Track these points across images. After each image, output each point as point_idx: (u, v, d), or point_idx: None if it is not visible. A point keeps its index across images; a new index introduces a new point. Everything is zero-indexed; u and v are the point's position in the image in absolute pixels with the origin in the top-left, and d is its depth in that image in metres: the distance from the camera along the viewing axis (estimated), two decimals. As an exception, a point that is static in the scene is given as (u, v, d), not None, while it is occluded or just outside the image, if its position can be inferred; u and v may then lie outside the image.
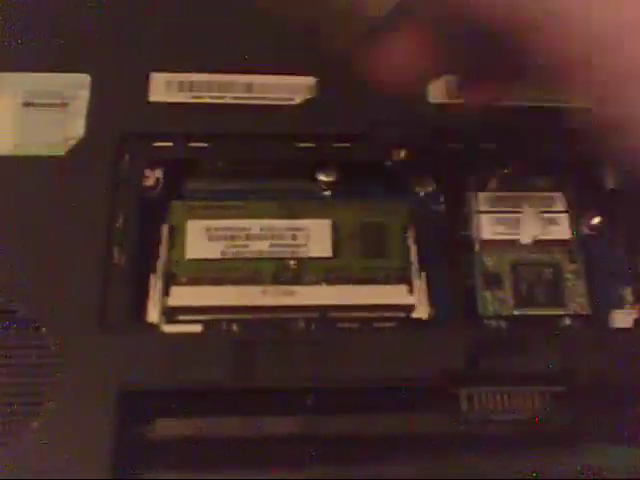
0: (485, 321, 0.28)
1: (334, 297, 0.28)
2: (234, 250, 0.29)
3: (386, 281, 0.28)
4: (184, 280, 0.28)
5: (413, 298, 0.28)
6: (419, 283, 0.28)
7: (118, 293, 0.27)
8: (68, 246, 0.27)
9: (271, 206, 0.30)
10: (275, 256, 0.29)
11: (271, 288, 0.28)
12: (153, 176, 0.30)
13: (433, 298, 0.28)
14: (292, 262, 0.29)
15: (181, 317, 0.27)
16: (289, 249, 0.29)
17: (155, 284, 0.28)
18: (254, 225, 0.29)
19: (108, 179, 0.29)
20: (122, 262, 0.28)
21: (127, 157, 0.29)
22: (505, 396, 0.26)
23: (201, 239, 0.29)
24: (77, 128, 0.30)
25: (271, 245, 0.29)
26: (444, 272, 0.29)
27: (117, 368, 0.26)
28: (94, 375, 0.25)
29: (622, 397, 0.27)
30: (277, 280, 0.28)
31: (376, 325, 0.28)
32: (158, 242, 0.29)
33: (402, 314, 0.28)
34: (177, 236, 0.29)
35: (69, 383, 0.25)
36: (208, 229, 0.29)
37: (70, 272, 0.27)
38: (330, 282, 0.28)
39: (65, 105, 0.30)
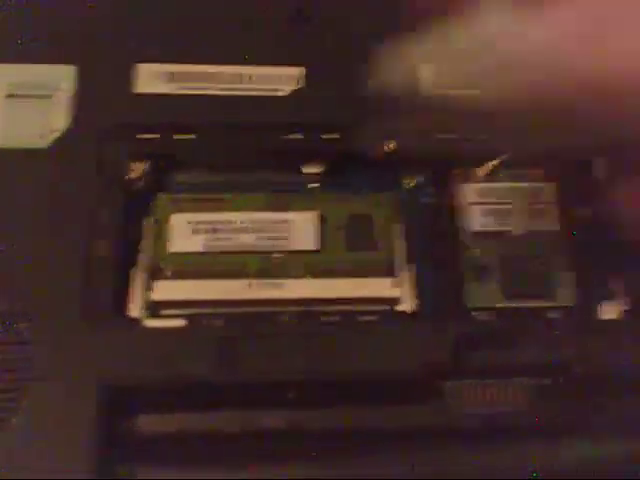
0: (472, 313, 0.28)
1: (318, 290, 0.28)
2: (218, 243, 0.28)
3: (372, 274, 0.28)
4: (168, 274, 0.28)
5: (398, 291, 0.28)
6: (405, 275, 0.28)
7: (101, 287, 0.27)
8: (51, 239, 0.27)
9: (257, 198, 0.29)
10: (260, 249, 0.28)
11: (255, 282, 0.28)
12: (138, 168, 0.29)
13: (420, 291, 0.28)
14: (277, 256, 0.28)
15: (164, 311, 0.27)
16: (274, 242, 0.28)
17: (138, 278, 0.27)
18: (238, 218, 0.29)
19: (92, 171, 0.28)
20: (106, 255, 0.27)
21: (112, 149, 0.29)
22: (491, 389, 0.26)
23: (185, 232, 0.28)
24: (61, 120, 0.29)
25: (256, 238, 0.28)
26: (432, 264, 0.29)
27: (99, 363, 0.25)
28: (76, 370, 0.25)
29: (610, 388, 0.27)
30: (262, 274, 0.28)
31: (360, 318, 0.27)
32: (141, 235, 0.28)
33: (386, 307, 0.28)
34: (161, 229, 0.29)
35: (50, 378, 0.25)
36: (191, 222, 0.29)
37: (52, 266, 0.27)
38: (315, 275, 0.28)
39: (49, 97, 0.30)
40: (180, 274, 0.28)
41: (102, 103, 0.30)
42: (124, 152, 0.29)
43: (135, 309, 0.27)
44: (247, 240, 0.28)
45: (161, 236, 0.28)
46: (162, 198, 0.29)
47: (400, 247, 0.28)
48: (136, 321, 0.27)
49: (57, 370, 0.25)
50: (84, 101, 0.30)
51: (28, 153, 0.29)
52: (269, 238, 0.28)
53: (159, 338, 0.26)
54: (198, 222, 0.28)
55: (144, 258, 0.28)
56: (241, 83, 0.31)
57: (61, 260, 0.27)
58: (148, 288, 0.27)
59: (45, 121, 0.29)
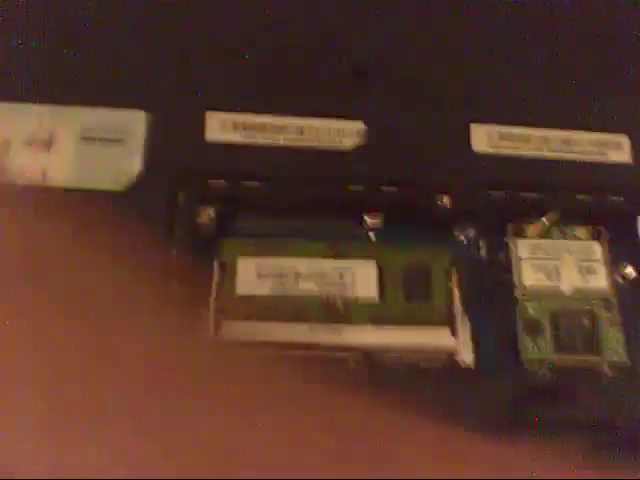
0: (528, 367, 0.29)
1: (379, 337, 0.29)
2: (282, 288, 0.29)
3: (431, 324, 0.29)
4: (234, 315, 0.29)
5: (457, 341, 0.29)
6: (462, 327, 0.29)
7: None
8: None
9: (319, 246, 0.31)
10: (322, 295, 0.29)
11: (318, 326, 0.29)
12: (206, 213, 0.31)
13: (477, 342, 0.29)
14: (339, 301, 0.29)
15: (232, 352, 0.28)
16: (336, 288, 0.30)
17: (207, 319, 0.28)
18: (302, 264, 0.30)
19: (164, 216, 0.30)
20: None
21: (182, 195, 0.30)
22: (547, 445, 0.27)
23: (251, 276, 0.30)
24: (133, 165, 0.31)
25: (318, 284, 0.30)
26: (486, 317, 0.30)
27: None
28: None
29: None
30: (324, 319, 0.29)
31: (420, 367, 0.29)
32: (210, 278, 0.30)
33: (445, 357, 0.29)
34: (227, 272, 0.30)
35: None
36: (258, 266, 0.30)
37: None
38: (376, 323, 0.29)
39: (121, 141, 0.31)
40: (246, 316, 0.29)
41: (174, 149, 0.31)
42: (194, 197, 0.30)
43: (206, 350, 0.28)
44: (310, 286, 0.29)
45: (228, 279, 0.29)
46: (228, 242, 0.30)
47: (457, 299, 0.30)
48: (206, 361, 0.28)
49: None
50: (156, 146, 0.31)
51: (102, 195, 0.30)
52: (331, 284, 0.30)
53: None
54: (265, 266, 0.30)
55: (212, 299, 0.29)
56: (305, 134, 0.32)
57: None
58: (216, 329, 0.28)
59: (118, 165, 0.31)
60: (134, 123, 0.32)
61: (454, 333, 0.29)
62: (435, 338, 0.29)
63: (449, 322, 0.29)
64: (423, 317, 0.29)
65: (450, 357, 0.29)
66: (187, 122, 0.32)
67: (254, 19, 0.34)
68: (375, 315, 0.29)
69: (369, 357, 0.29)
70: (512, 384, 0.27)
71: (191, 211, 0.30)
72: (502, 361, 0.29)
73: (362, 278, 0.30)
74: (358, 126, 0.32)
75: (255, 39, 0.34)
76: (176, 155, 0.31)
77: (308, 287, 0.30)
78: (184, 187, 0.30)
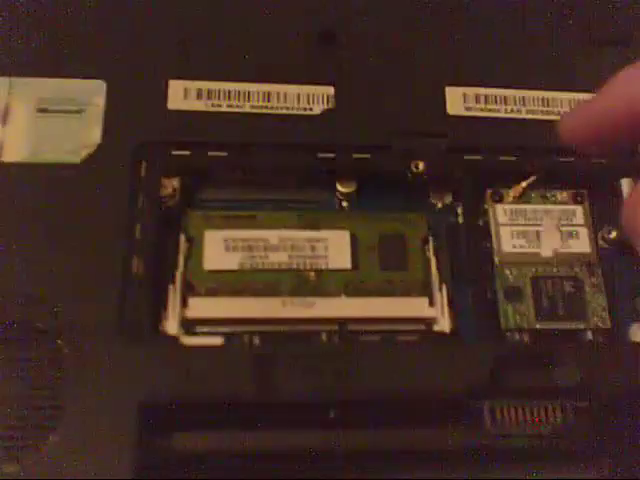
0: (508, 334, 0.28)
1: (354, 309, 0.28)
2: (252, 261, 0.28)
3: (406, 293, 0.28)
4: (202, 291, 0.28)
5: (434, 311, 0.28)
6: (440, 296, 0.28)
7: (137, 304, 0.27)
8: (85, 256, 0.27)
9: (289, 216, 0.29)
10: (294, 267, 0.28)
11: (290, 300, 0.28)
12: (170, 185, 0.29)
13: (455, 311, 0.28)
14: (311, 274, 0.28)
15: (200, 329, 0.27)
16: (308, 260, 0.28)
17: (173, 295, 0.27)
18: (272, 236, 0.29)
19: (125, 188, 0.28)
20: (140, 272, 0.27)
21: (144, 165, 0.29)
22: (527, 410, 0.26)
23: (219, 250, 0.28)
24: (93, 135, 0.29)
25: (290, 256, 0.28)
26: (464, 285, 0.29)
27: (136, 381, 0.25)
28: (112, 388, 0.25)
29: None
30: (296, 292, 0.28)
31: (398, 338, 0.27)
32: (176, 252, 0.28)
33: (423, 327, 0.28)
34: (195, 246, 0.28)
35: (87, 396, 0.25)
36: (226, 240, 0.28)
37: (88, 282, 0.27)
38: (350, 294, 0.28)
39: (81, 112, 0.30)
40: (215, 291, 0.28)
41: (135, 119, 0.30)
42: (156, 168, 0.29)
43: (171, 326, 0.27)
44: (282, 258, 0.28)
45: (195, 253, 0.28)
46: (194, 215, 0.29)
47: (433, 267, 0.29)
48: (173, 339, 0.27)
49: (94, 388, 0.25)
50: (116, 116, 0.30)
51: (60, 168, 0.28)
52: (303, 256, 0.28)
53: (196, 356, 0.26)
54: (232, 240, 0.28)
55: (179, 275, 0.28)
56: (272, 101, 0.31)
57: (97, 277, 0.27)
58: (183, 305, 0.27)
59: (77, 136, 0.29)
60: (93, 93, 0.30)
61: (432, 302, 0.28)
62: (412, 308, 0.28)
63: (426, 291, 0.28)
64: (399, 287, 0.28)
65: (428, 327, 0.28)
66: (148, 91, 0.30)
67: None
68: (350, 286, 0.28)
69: (344, 330, 0.27)
70: (492, 352, 0.26)
71: (154, 183, 0.29)
72: (481, 329, 0.28)
73: (335, 249, 0.29)
74: (328, 91, 0.31)
75: (219, 4, 0.32)
76: (137, 125, 0.29)
77: (279, 260, 0.28)
78: (146, 158, 0.29)
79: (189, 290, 0.28)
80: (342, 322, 0.27)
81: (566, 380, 0.26)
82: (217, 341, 0.27)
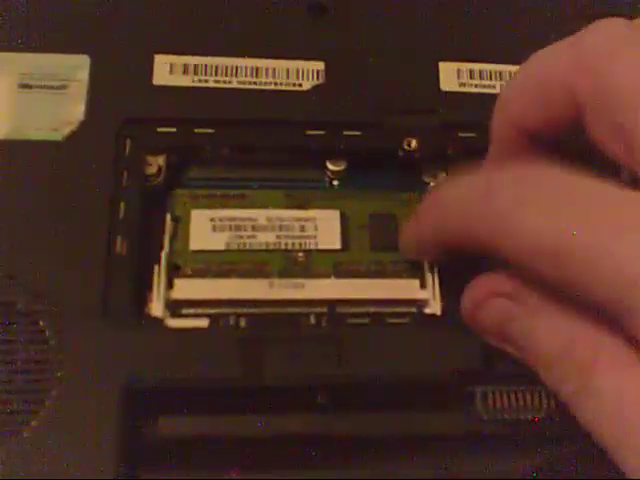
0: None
1: (344, 291, 0.27)
2: (239, 241, 0.28)
3: (397, 275, 0.27)
4: (188, 272, 0.27)
5: (425, 293, 0.27)
6: (431, 277, 0.27)
7: (121, 285, 0.26)
8: (68, 236, 0.26)
9: (278, 195, 0.29)
10: (282, 248, 0.28)
11: (278, 281, 0.27)
12: (155, 163, 0.29)
13: (445, 293, 0.27)
14: (300, 255, 0.28)
15: (185, 311, 0.26)
16: (297, 240, 0.28)
17: (159, 276, 0.27)
18: (260, 215, 0.28)
19: (109, 166, 0.28)
20: (124, 252, 0.27)
21: (129, 142, 0.28)
22: (520, 395, 0.26)
23: (205, 230, 0.28)
24: (76, 112, 0.28)
25: (278, 236, 0.28)
26: (456, 266, 0.28)
27: (120, 364, 0.25)
28: (96, 371, 0.24)
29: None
30: (284, 273, 0.27)
31: (388, 321, 0.27)
32: (161, 232, 0.28)
33: (414, 309, 0.27)
34: (180, 226, 0.28)
35: (70, 379, 0.24)
36: (212, 219, 0.28)
37: (71, 263, 0.26)
38: (339, 275, 0.27)
39: (64, 87, 0.29)
40: (201, 272, 0.27)
41: (120, 95, 0.29)
42: (142, 145, 0.28)
43: (156, 308, 0.26)
44: (269, 238, 0.28)
45: (181, 233, 0.28)
46: (180, 193, 0.28)
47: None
48: (158, 321, 0.26)
49: (77, 371, 0.24)
50: (100, 92, 0.29)
51: (42, 145, 0.28)
52: (292, 237, 0.28)
53: (182, 339, 0.25)
54: (219, 219, 0.28)
55: (164, 255, 0.27)
56: (260, 77, 0.30)
57: (80, 257, 0.26)
58: (169, 286, 0.26)
59: (60, 113, 0.28)
60: (77, 69, 0.29)
61: (423, 284, 0.27)
62: (403, 290, 0.27)
63: (417, 273, 0.27)
64: (390, 268, 0.28)
65: (419, 309, 0.27)
66: (133, 66, 0.29)
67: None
68: (339, 267, 0.28)
69: (333, 312, 0.27)
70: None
71: (139, 161, 0.28)
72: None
73: (325, 229, 0.28)
74: (318, 67, 0.30)
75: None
76: (122, 102, 0.29)
77: (267, 240, 0.28)
78: (131, 135, 0.28)
79: (175, 271, 0.27)
80: (331, 304, 0.27)
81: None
82: (203, 323, 0.26)
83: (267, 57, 0.30)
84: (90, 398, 0.24)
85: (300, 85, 0.30)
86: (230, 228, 0.28)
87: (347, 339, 0.25)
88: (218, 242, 0.27)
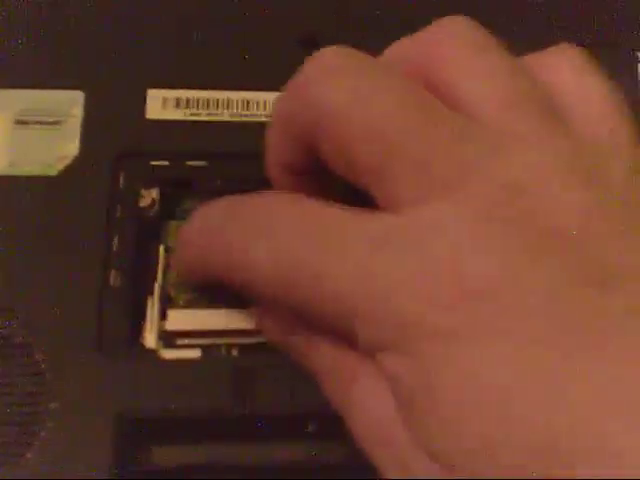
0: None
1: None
2: None
3: None
4: (181, 303, 0.27)
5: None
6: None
7: (115, 317, 0.27)
8: (63, 269, 0.27)
9: None
10: None
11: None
12: (149, 196, 0.29)
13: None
14: None
15: (179, 341, 0.27)
16: None
17: (152, 308, 0.27)
18: None
19: (103, 200, 0.28)
20: (118, 285, 0.27)
21: (122, 176, 0.29)
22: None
23: None
24: (71, 147, 0.29)
25: None
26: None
27: (114, 395, 0.25)
28: (90, 403, 0.25)
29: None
30: None
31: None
32: (155, 263, 0.28)
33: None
34: (173, 257, 0.28)
35: (65, 411, 0.25)
36: None
37: (65, 296, 0.26)
38: None
39: (59, 123, 0.30)
40: (193, 303, 0.27)
41: (113, 129, 0.29)
42: (135, 179, 0.29)
43: (150, 339, 0.27)
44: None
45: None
46: (174, 225, 0.29)
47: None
48: (152, 352, 0.26)
49: (73, 402, 0.25)
50: (94, 127, 0.29)
51: (38, 180, 0.28)
52: None
53: (174, 370, 0.26)
54: None
55: (157, 287, 0.27)
56: (252, 109, 0.30)
57: (75, 290, 0.26)
58: (163, 318, 0.27)
59: (55, 148, 0.29)
60: (72, 104, 0.30)
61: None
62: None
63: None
64: None
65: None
66: (127, 101, 0.30)
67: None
68: None
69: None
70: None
71: (133, 194, 0.29)
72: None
73: None
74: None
75: (197, 12, 0.32)
76: (116, 136, 0.29)
77: None
78: (125, 169, 0.29)
79: (168, 302, 0.27)
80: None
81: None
82: (196, 354, 0.27)
83: (258, 90, 0.31)
84: (84, 430, 0.25)
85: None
86: None
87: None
88: None
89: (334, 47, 0.21)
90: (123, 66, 0.31)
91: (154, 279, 0.28)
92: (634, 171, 0.20)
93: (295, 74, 0.21)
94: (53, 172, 0.29)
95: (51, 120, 0.30)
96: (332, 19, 0.33)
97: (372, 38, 0.32)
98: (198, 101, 0.30)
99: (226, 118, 0.30)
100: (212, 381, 0.25)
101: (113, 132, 0.29)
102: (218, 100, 0.30)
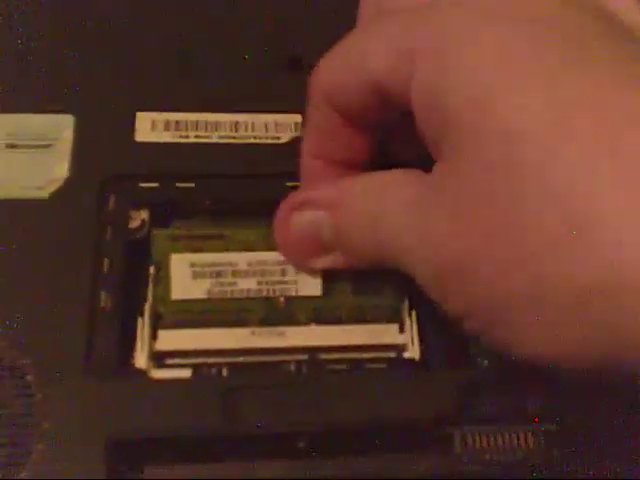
0: (478, 360, 0.28)
1: (323, 338, 0.28)
2: (221, 289, 0.28)
3: (376, 320, 0.28)
4: (170, 321, 0.28)
5: (404, 337, 0.28)
6: (409, 322, 0.28)
7: (105, 338, 0.27)
8: (54, 291, 0.27)
9: (257, 232, 0.29)
10: (264, 295, 0.28)
11: (259, 330, 0.28)
12: (139, 217, 0.29)
13: (424, 337, 0.28)
14: (281, 300, 0.28)
15: (169, 361, 0.27)
16: (278, 287, 0.28)
17: (142, 328, 0.27)
18: (241, 260, 0.28)
19: (93, 222, 0.28)
20: (109, 306, 0.27)
21: (112, 198, 0.29)
22: (499, 436, 0.26)
23: (186, 278, 0.28)
24: (61, 170, 0.29)
25: (259, 282, 0.28)
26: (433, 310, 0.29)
27: (105, 416, 0.25)
28: (81, 424, 0.25)
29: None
30: (266, 321, 0.28)
31: (368, 366, 0.27)
32: (145, 283, 0.28)
33: (393, 354, 0.28)
34: (161, 272, 0.28)
35: (56, 432, 0.25)
36: (193, 265, 0.28)
37: (56, 318, 0.27)
38: (320, 321, 0.28)
39: (49, 146, 0.30)
40: (183, 322, 0.28)
41: (103, 152, 0.30)
42: (125, 201, 0.29)
43: (141, 360, 0.27)
44: (250, 285, 0.28)
45: (162, 281, 0.28)
46: (160, 235, 0.29)
47: (404, 292, 0.28)
48: (142, 372, 0.26)
49: (64, 423, 0.25)
50: (85, 150, 0.30)
51: (28, 204, 0.28)
52: (273, 282, 0.28)
53: (164, 390, 0.26)
54: (201, 265, 0.28)
55: (147, 307, 0.28)
56: (240, 131, 0.31)
57: (65, 312, 0.27)
58: (153, 337, 0.27)
59: (45, 171, 0.29)
60: (62, 127, 0.30)
61: (402, 329, 0.28)
62: (382, 336, 0.28)
63: (397, 317, 0.28)
64: (371, 313, 0.28)
65: (398, 354, 0.28)
66: (116, 124, 0.30)
67: (182, 14, 0.33)
68: (320, 313, 0.28)
69: (314, 359, 0.27)
70: (461, 378, 0.26)
71: (123, 216, 0.29)
72: (450, 355, 0.28)
73: (306, 275, 0.29)
74: (296, 119, 0.31)
75: (185, 35, 0.32)
76: (106, 158, 0.30)
77: (248, 287, 0.28)
78: (115, 191, 0.29)
79: (158, 320, 0.27)
80: (311, 351, 0.27)
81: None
82: (186, 373, 0.27)
83: (246, 112, 0.31)
84: (76, 450, 0.25)
85: (278, 138, 0.31)
86: (211, 274, 0.28)
87: (327, 386, 0.26)
88: (199, 290, 0.28)
89: None
90: (113, 89, 0.31)
91: (144, 300, 0.28)
92: None
93: None
94: (44, 195, 0.29)
95: (42, 143, 0.30)
96: (319, 42, 0.33)
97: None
98: (187, 123, 0.31)
99: (215, 140, 0.30)
100: (202, 401, 0.26)
101: (103, 155, 0.30)
102: (207, 122, 0.31)
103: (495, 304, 0.21)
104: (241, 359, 0.27)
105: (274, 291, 0.28)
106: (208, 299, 0.28)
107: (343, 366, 0.27)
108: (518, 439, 0.26)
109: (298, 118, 0.31)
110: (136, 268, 0.29)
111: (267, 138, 0.31)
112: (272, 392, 0.26)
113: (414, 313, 0.28)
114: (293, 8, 0.34)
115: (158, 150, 0.30)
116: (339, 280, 0.29)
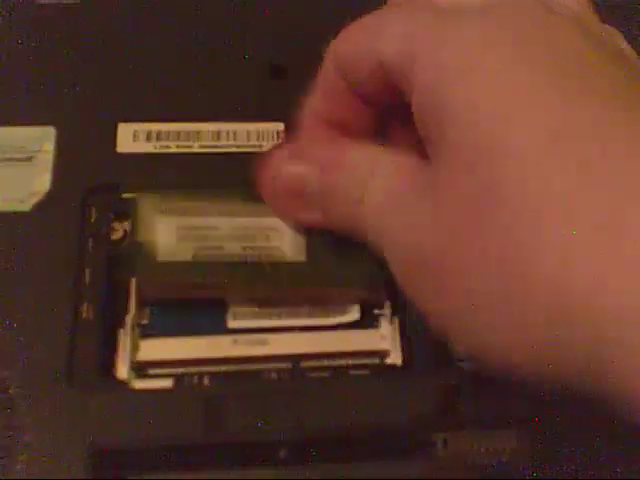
0: (459, 364, 0.28)
1: (306, 345, 0.28)
2: (206, 253, 0.27)
3: (360, 285, 0.28)
4: (157, 288, 0.27)
5: (386, 343, 0.28)
6: (392, 328, 0.28)
7: (87, 349, 0.27)
8: (36, 303, 0.27)
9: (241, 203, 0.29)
10: (248, 260, 0.28)
11: (242, 338, 0.28)
12: (121, 228, 0.29)
13: (406, 343, 0.28)
14: (267, 266, 0.28)
15: (151, 371, 0.27)
16: (263, 252, 0.28)
17: (124, 339, 0.27)
18: (225, 224, 0.28)
19: (75, 234, 0.28)
20: (91, 317, 0.27)
21: (94, 210, 0.29)
22: (482, 439, 0.26)
23: (171, 240, 0.27)
24: (43, 182, 0.29)
25: (244, 248, 0.28)
26: (416, 316, 0.29)
27: (87, 427, 0.25)
28: (64, 435, 0.25)
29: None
30: (251, 284, 0.27)
31: (350, 373, 0.27)
32: (126, 296, 0.28)
33: (376, 360, 0.28)
34: (146, 236, 0.28)
35: (38, 443, 0.25)
36: (178, 228, 0.28)
37: (38, 329, 0.27)
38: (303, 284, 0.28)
39: (30, 159, 0.30)
40: (169, 287, 0.27)
41: (84, 164, 0.30)
42: (107, 212, 0.29)
43: (122, 370, 0.27)
44: (236, 250, 0.28)
45: (146, 245, 0.27)
46: (143, 198, 0.28)
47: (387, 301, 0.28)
48: (123, 383, 0.27)
49: (46, 434, 0.25)
50: (66, 162, 0.30)
51: (10, 216, 0.29)
52: (258, 248, 0.28)
53: (146, 400, 0.26)
54: (186, 228, 0.28)
55: (129, 318, 0.28)
56: (222, 140, 0.31)
57: (47, 323, 0.27)
58: (134, 348, 0.27)
59: (27, 184, 0.29)
60: (43, 140, 0.30)
61: (383, 335, 0.28)
62: (365, 342, 0.28)
63: (378, 322, 0.28)
64: (354, 279, 0.28)
65: (380, 360, 0.28)
66: (98, 135, 0.30)
67: (164, 25, 0.33)
68: (303, 278, 0.28)
69: (296, 367, 0.27)
70: (445, 383, 0.26)
71: (104, 227, 0.29)
72: (433, 359, 0.28)
73: (290, 239, 0.28)
74: (278, 127, 0.31)
75: (166, 44, 0.32)
76: (87, 170, 0.30)
77: (233, 251, 0.28)
78: (96, 202, 0.29)
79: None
80: (294, 358, 0.27)
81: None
82: (167, 383, 0.27)
83: (228, 121, 0.31)
84: (58, 461, 0.25)
85: (261, 147, 0.31)
86: (196, 238, 0.28)
87: (309, 393, 0.26)
88: (185, 253, 0.27)
89: None
90: (94, 101, 0.31)
91: (126, 311, 0.28)
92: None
93: None
94: (26, 208, 0.29)
95: (23, 156, 0.30)
96: (302, 50, 0.33)
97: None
98: (169, 133, 0.31)
99: (197, 150, 0.30)
100: (184, 410, 0.26)
101: (85, 166, 0.30)
102: (189, 132, 0.31)
103: (457, 303, 0.21)
104: (223, 368, 0.27)
105: (259, 256, 0.28)
106: (193, 262, 0.27)
107: (325, 373, 0.27)
108: (502, 442, 0.26)
109: (280, 126, 0.31)
110: (117, 280, 0.28)
111: (249, 147, 0.31)
112: (254, 401, 0.26)
113: (397, 319, 0.28)
114: (276, 16, 0.34)
115: (140, 161, 0.30)
116: (324, 247, 0.28)
